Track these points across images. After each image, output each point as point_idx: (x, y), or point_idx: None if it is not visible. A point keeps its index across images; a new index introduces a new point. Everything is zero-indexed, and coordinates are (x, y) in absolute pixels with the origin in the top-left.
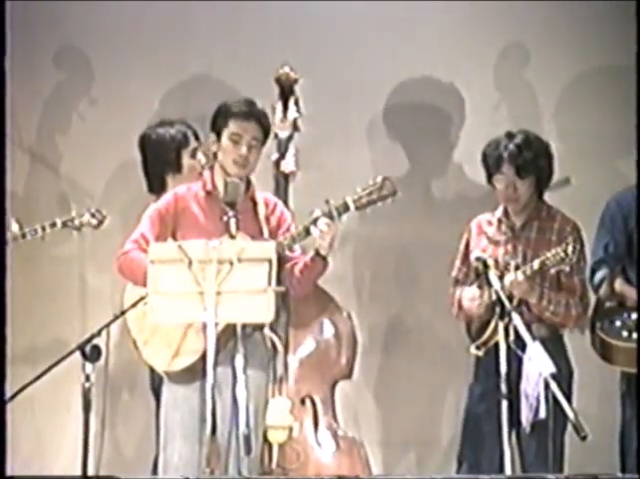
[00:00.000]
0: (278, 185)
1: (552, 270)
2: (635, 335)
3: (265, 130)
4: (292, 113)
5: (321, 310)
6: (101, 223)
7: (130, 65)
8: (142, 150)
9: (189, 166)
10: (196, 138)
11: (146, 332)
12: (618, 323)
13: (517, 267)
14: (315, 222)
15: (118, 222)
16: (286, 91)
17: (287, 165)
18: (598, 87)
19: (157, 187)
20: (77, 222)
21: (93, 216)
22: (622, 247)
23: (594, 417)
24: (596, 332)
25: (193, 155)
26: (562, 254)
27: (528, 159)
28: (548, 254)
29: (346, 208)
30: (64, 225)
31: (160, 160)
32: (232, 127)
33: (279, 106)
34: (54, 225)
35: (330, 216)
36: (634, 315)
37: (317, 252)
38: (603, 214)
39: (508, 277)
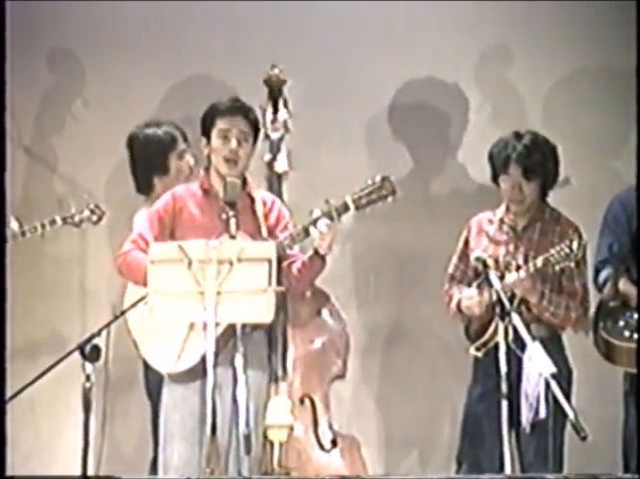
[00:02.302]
0: (271, 185)
1: (556, 268)
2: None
3: (253, 125)
4: (282, 114)
5: (319, 309)
6: (100, 218)
7: (130, 65)
8: (129, 150)
9: (177, 168)
10: (185, 139)
11: (147, 334)
12: (621, 323)
13: (519, 268)
14: (315, 222)
15: (118, 221)
16: (275, 92)
17: (280, 165)
18: (599, 87)
19: (144, 187)
20: (77, 218)
21: (92, 211)
22: (626, 247)
23: (594, 417)
24: (599, 332)
25: (181, 157)
26: (567, 250)
27: (536, 161)
28: (552, 251)
29: (346, 208)
30: (64, 221)
31: (146, 161)
32: (220, 124)
33: (269, 107)
34: (54, 222)
35: (330, 216)
36: (637, 315)
37: (316, 252)
38: (606, 214)
39: (511, 276)
